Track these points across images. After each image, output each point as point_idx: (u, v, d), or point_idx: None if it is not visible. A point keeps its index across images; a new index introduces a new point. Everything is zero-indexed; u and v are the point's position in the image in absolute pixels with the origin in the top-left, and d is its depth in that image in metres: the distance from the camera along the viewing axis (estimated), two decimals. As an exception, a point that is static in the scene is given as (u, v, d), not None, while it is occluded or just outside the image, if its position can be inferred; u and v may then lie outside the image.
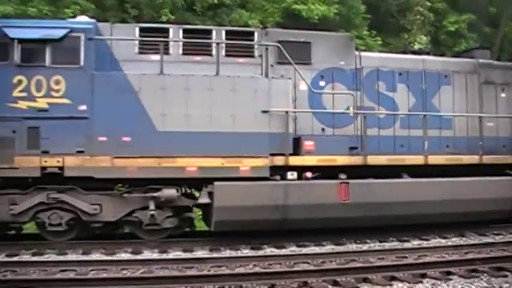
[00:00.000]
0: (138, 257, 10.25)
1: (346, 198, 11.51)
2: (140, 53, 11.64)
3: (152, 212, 10.93)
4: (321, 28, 15.35)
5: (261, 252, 10.73)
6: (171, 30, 11.86)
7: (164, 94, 10.94)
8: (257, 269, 8.82)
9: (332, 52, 12.45)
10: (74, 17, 13.09)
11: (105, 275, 8.35)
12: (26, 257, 10.26)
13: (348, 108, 12.19)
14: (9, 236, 11.85)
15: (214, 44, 11.76)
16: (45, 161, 10.66)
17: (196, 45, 11.85)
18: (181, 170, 10.94)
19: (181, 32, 11.89)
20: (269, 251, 11.03)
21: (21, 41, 10.75)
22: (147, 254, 10.61)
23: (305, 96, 12.08)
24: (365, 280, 8.17)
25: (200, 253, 10.77)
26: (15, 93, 10.66)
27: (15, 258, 10.03)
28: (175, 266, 8.95)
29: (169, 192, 11.01)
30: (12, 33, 10.77)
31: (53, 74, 10.73)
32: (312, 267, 8.95)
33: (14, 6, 16.04)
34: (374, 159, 12.02)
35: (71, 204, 10.91)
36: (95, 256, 10.40)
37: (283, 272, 8.37)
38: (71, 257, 10.29)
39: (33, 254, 10.51)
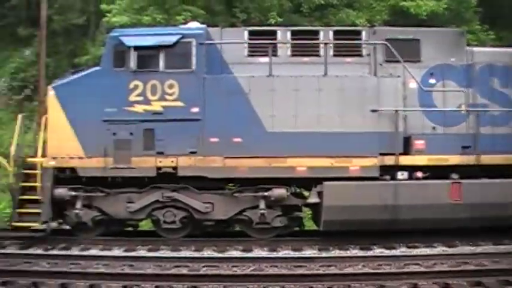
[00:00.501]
0: (249, 254, 10.54)
1: (458, 199, 11.16)
2: (249, 55, 11.94)
3: (262, 211, 11.16)
4: (430, 24, 14.98)
5: (370, 253, 10.67)
6: (279, 33, 12.09)
7: (273, 95, 11.18)
8: (366, 270, 8.78)
9: (442, 48, 12.08)
10: (186, 23, 13.65)
11: (216, 272, 8.64)
12: (142, 252, 10.88)
13: (459, 106, 11.80)
14: (127, 232, 12.58)
15: (321, 45, 11.82)
16: (160, 161, 11.24)
17: (304, 46, 11.97)
18: (291, 169, 11.12)
19: (289, 33, 12.07)
20: (378, 251, 10.91)
21: (136, 48, 11.41)
22: (257, 252, 10.87)
23: (415, 95, 11.82)
24: (478, 284, 7.90)
25: (309, 252, 10.86)
26: (132, 98, 11.34)
27: (133, 253, 10.66)
28: (284, 265, 9.07)
29: (279, 191, 11.22)
30: (129, 41, 11.46)
31: (166, 79, 11.29)
32: (422, 269, 8.78)
33: (130, 16, 16.99)
34: (488, 159, 11.55)
35: (184, 202, 11.41)
36: (207, 253, 10.82)
37: (393, 273, 8.27)
38: (184, 253, 10.75)
39: (149, 250, 11.09)
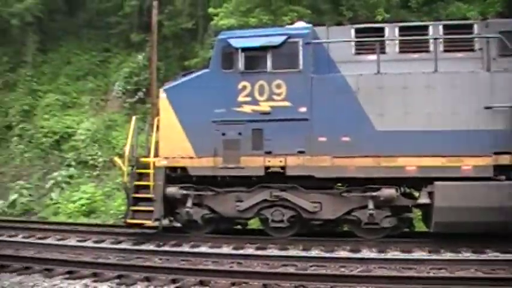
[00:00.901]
0: (357, 255, 10.43)
1: None
2: (356, 53, 11.85)
3: (371, 212, 11.04)
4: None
5: (483, 256, 10.22)
6: (386, 29, 11.90)
7: (382, 93, 11.01)
8: (479, 274, 8.46)
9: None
10: (292, 23, 13.75)
11: (323, 271, 8.67)
12: (251, 251, 11.07)
13: None
14: (236, 230, 12.87)
15: (431, 40, 11.51)
16: (269, 161, 11.42)
17: (413, 42, 11.68)
18: (401, 169, 10.88)
19: (397, 30, 11.86)
20: (492, 255, 10.42)
21: (244, 49, 11.68)
22: (365, 253, 10.75)
23: (533, 90, 11.18)
24: None
25: (419, 254, 10.59)
26: (240, 98, 11.61)
27: (241, 251, 10.89)
28: (393, 266, 8.93)
29: (389, 191, 11.03)
30: (236, 43, 11.75)
31: (274, 79, 11.45)
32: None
33: (237, 18, 17.35)
34: None
35: (292, 202, 11.51)
36: (315, 252, 10.83)
37: (507, 279, 7.88)
38: (292, 252, 10.84)
39: (257, 248, 11.28)
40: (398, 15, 17.18)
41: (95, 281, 8.61)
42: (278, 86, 11.41)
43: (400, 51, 11.71)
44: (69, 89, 23.82)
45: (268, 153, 11.42)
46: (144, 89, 21.80)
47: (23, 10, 23.42)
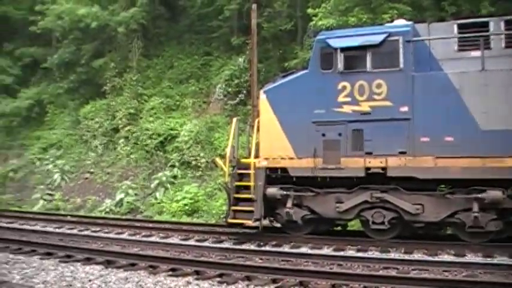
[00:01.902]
0: (461, 259, 10.14)
1: None
2: (459, 50, 11.54)
3: (476, 214, 10.69)
4: None
5: None
6: (491, 24, 11.48)
7: (487, 91, 10.64)
8: None
9: None
10: (392, 21, 13.60)
11: (426, 275, 8.55)
12: (351, 252, 11.08)
13: None
14: (336, 231, 12.92)
15: (541, 34, 11.02)
16: (369, 162, 11.38)
17: (520, 36, 11.24)
18: (509, 170, 10.45)
19: (502, 24, 11.41)
20: None
21: (343, 49, 11.73)
22: (470, 258, 10.43)
23: None
24: None
25: (528, 260, 10.15)
26: (340, 99, 11.65)
27: (341, 253, 10.90)
28: (500, 272, 8.65)
29: (495, 194, 10.62)
30: (335, 43, 11.81)
31: (374, 78, 11.40)
32: None
33: (336, 18, 17.35)
34: None
35: (393, 203, 11.40)
36: (417, 256, 10.64)
37: None
38: (393, 255, 10.70)
39: (358, 250, 11.27)
40: (504, 9, 16.44)
41: (197, 279, 8.95)
42: (378, 86, 11.34)
43: (506, 46, 11.25)
44: (173, 92, 24.84)
45: (369, 153, 11.39)
46: (244, 91, 22.27)
47: (129, 18, 24.72)
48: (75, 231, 15.38)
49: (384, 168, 11.27)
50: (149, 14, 25.73)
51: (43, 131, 28.86)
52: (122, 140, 24.37)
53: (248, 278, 8.81)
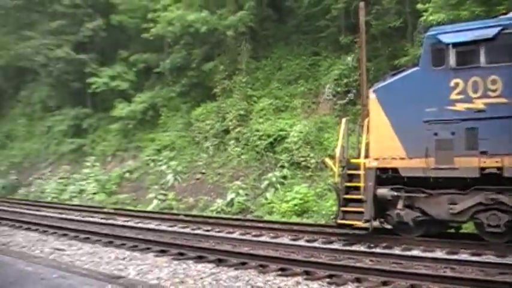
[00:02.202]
0: None
1: None
2: None
3: None
4: None
5: None
6: None
7: None
8: None
9: None
10: (506, 13, 13.06)
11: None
12: (465, 256, 10.80)
13: None
14: (449, 234, 12.60)
15: None
16: (484, 162, 11.02)
17: None
18: None
19: None
20: None
21: (455, 45, 11.46)
22: None
23: None
24: None
25: None
26: (453, 96, 11.39)
27: (455, 256, 10.67)
28: None
29: None
30: (446, 38, 11.57)
31: (488, 74, 11.03)
32: None
33: (447, 12, 16.88)
34: None
35: (509, 205, 10.98)
36: (538, 261, 10.19)
37: None
38: (510, 259, 10.27)
39: (472, 254, 10.94)
40: None
41: (306, 279, 9.10)
42: (493, 82, 10.96)
43: None
44: (281, 93, 25.16)
45: (484, 153, 11.03)
46: (354, 90, 22.14)
47: (237, 22, 25.33)
48: (187, 230, 16.04)
49: (499, 168, 10.87)
50: (257, 16, 26.23)
51: (157, 134, 30.24)
52: (232, 141, 25.03)
53: (358, 280, 8.86)
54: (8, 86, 48.95)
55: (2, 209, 25.34)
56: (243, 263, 10.43)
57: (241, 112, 25.26)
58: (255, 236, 14.45)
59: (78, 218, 20.51)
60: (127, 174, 29.56)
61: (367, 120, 12.89)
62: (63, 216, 21.21)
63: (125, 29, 33.61)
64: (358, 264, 9.80)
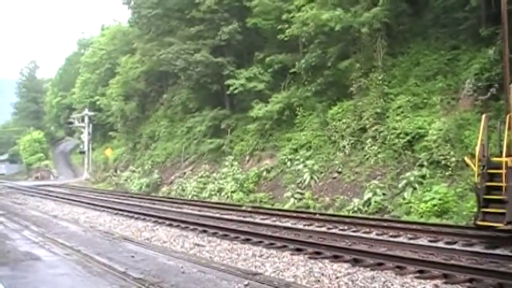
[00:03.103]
0: None
1: None
2: None
3: None
4: None
5: None
6: None
7: None
8: None
9: None
10: None
11: None
12: None
13: None
14: None
15: None
16: None
17: None
18: None
19: None
20: None
21: None
22: None
23: None
24: None
25: None
26: None
27: None
28: None
29: None
30: None
31: None
32: None
33: None
34: None
35: None
36: None
37: None
38: None
39: None
40: None
41: (445, 283, 9.18)
42: None
43: None
44: (419, 90, 24.85)
45: None
46: (496, 85, 21.39)
47: (371, 18, 25.36)
48: (323, 229, 16.51)
49: None
50: (391, 11, 26.05)
51: (293, 133, 31.01)
52: (369, 140, 25.15)
53: (501, 286, 8.76)
54: (151, 90, 52.45)
55: (146, 205, 27.49)
56: (380, 264, 10.66)
57: (378, 110, 25.28)
58: (392, 236, 14.58)
59: (217, 215, 21.81)
60: (264, 173, 30.61)
61: (508, 116, 12.60)
62: (203, 213, 22.60)
63: (260, 31, 34.83)
64: (501, 269, 9.67)
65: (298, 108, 31.36)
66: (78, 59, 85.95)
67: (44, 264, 11.01)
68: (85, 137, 66.58)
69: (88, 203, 29.76)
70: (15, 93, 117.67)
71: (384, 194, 21.93)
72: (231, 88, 34.60)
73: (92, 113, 66.66)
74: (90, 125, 67.18)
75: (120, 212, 24.23)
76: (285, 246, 13.18)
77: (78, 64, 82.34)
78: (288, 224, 17.91)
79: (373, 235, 14.97)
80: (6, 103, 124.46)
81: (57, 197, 36.02)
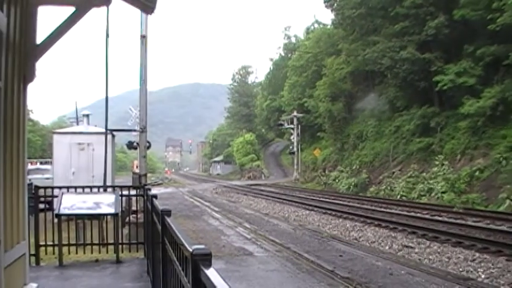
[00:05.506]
0: None
1: None
2: None
3: None
4: None
5: None
6: None
7: None
8: None
9: None
10: None
11: None
12: None
13: None
14: None
15: None
16: None
17: None
18: None
19: None
20: None
21: None
22: None
23: None
24: None
25: None
26: None
27: None
28: None
29: None
30: None
31: None
32: None
33: None
34: None
35: None
36: None
37: None
38: None
39: None
40: None
41: None
42: None
43: None
44: None
45: None
46: None
47: None
48: (543, 234, 15.64)
49: None
50: None
51: (509, 129, 29.64)
52: None
53: None
54: (357, 90, 53.26)
55: (354, 205, 28.22)
56: None
57: None
58: None
59: (427, 216, 21.68)
60: (477, 173, 29.64)
61: None
62: (412, 214, 22.63)
63: (468, 22, 33.73)
64: None
65: (513, 103, 29.90)
66: (286, 63, 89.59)
67: (256, 260, 11.99)
68: (294, 138, 69.05)
69: (297, 202, 31.27)
70: (227, 98, 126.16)
71: None
72: (440, 84, 34.09)
73: (300, 115, 69.00)
74: (299, 126, 69.51)
75: (329, 212, 25.20)
76: (499, 251, 12.78)
77: (286, 68, 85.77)
78: (504, 228, 17.16)
79: None
80: (221, 107, 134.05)
81: (268, 195, 38.19)
